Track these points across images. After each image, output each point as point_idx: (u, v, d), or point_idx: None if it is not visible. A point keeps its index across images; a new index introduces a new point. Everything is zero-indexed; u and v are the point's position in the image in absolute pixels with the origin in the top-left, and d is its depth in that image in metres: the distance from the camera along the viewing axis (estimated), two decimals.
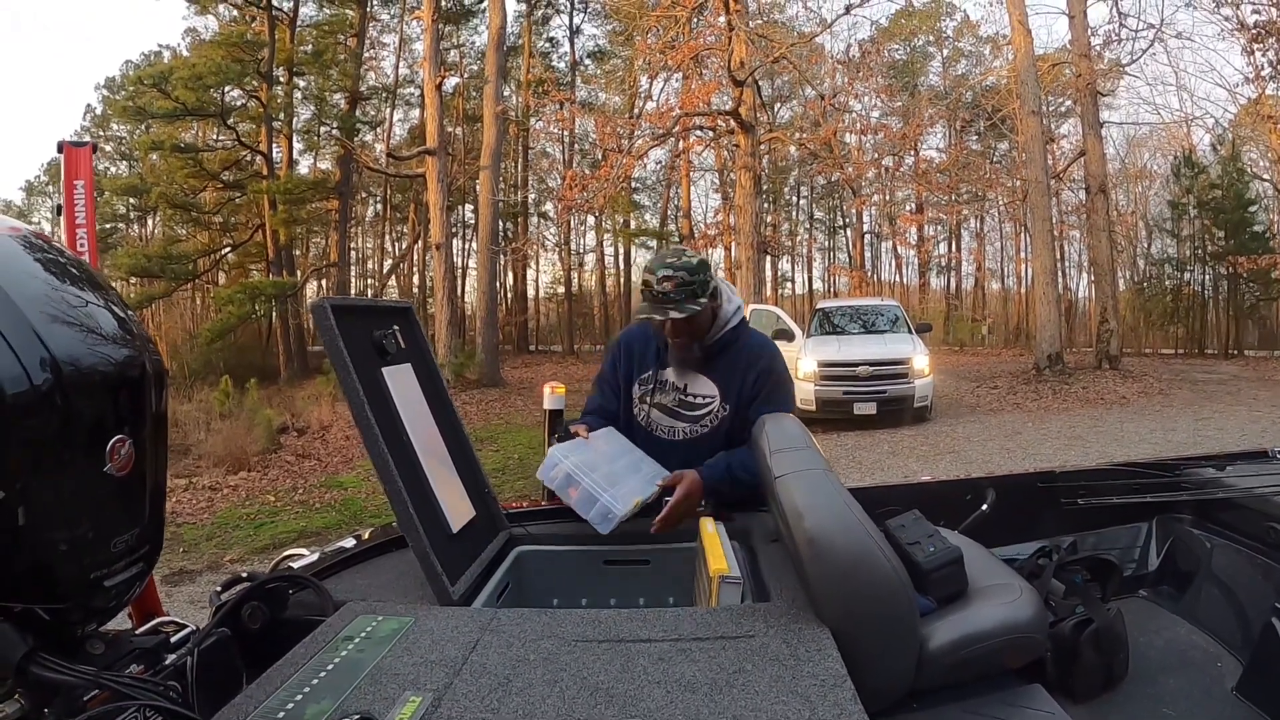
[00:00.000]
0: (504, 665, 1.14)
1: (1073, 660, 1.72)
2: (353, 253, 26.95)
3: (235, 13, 21.90)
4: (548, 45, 27.04)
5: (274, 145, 21.24)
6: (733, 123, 14.61)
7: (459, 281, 21.77)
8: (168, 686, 1.07)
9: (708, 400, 2.05)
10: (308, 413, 11.73)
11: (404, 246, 27.52)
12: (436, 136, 16.02)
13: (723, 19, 14.23)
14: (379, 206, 28.42)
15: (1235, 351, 19.77)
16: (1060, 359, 13.90)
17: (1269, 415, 10.00)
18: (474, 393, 14.79)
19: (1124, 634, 1.82)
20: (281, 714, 1.02)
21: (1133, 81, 17.31)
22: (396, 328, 1.77)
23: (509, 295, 26.81)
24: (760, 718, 0.99)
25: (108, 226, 24.16)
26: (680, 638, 1.23)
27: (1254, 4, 13.84)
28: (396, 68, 25.73)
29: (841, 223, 29.17)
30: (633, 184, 24.97)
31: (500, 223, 20.04)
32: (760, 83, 16.56)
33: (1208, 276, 21.70)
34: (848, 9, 14.37)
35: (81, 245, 3.50)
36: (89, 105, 25.37)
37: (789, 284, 29.61)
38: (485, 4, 20.29)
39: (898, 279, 28.69)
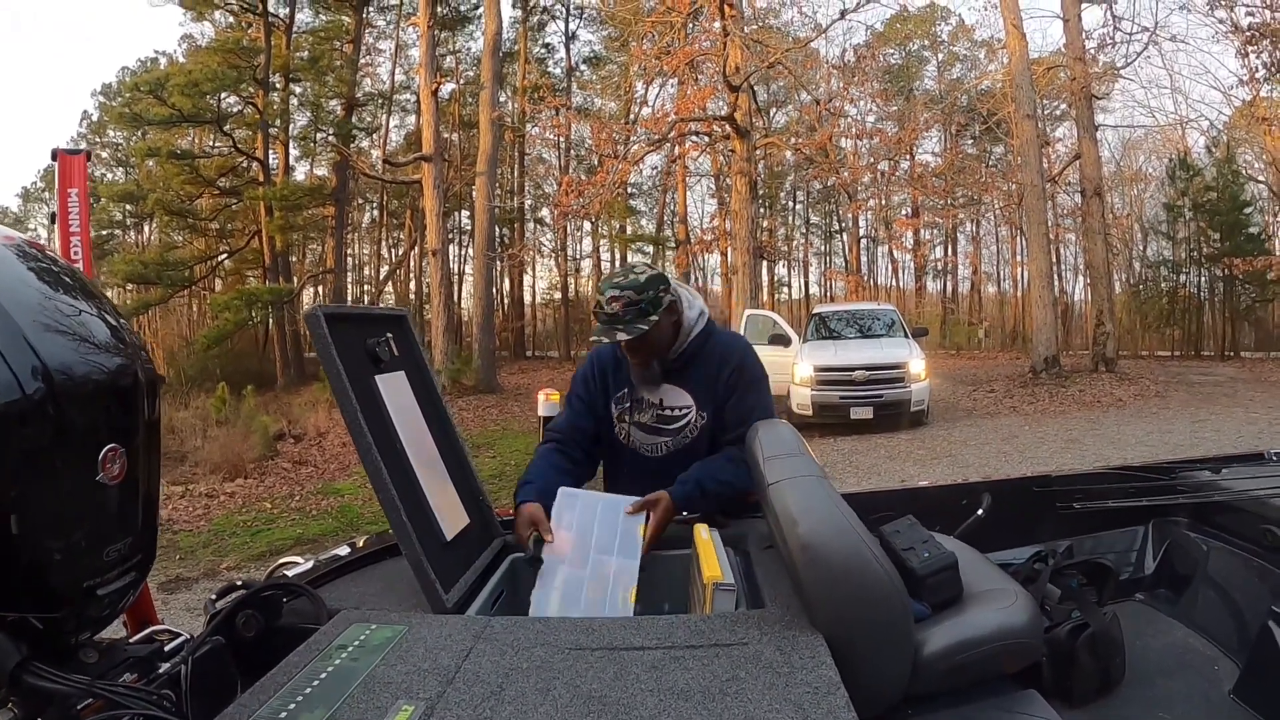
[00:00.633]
0: (497, 673, 1.13)
1: (1069, 665, 1.71)
2: (349, 259, 26.97)
3: (232, 19, 21.94)
4: (544, 51, 27.14)
5: (270, 151, 21.26)
6: (728, 128, 14.65)
7: (455, 287, 21.80)
8: (161, 695, 1.06)
9: (684, 411, 2.04)
10: (304, 419, 11.72)
11: (400, 252, 27.54)
12: (433, 142, 16.03)
13: (718, 24, 14.30)
14: (375, 213, 28.45)
15: (1231, 353, 19.79)
16: (1057, 362, 13.92)
17: (1266, 416, 10.02)
18: (470, 399, 14.77)
19: (1120, 638, 1.82)
20: None
21: (1127, 85, 17.50)
22: (390, 335, 1.77)
23: (505, 301, 26.85)
24: None
25: (104, 233, 24.13)
26: (674, 645, 1.22)
27: (1248, 6, 13.92)
28: (393, 74, 25.81)
29: (837, 227, 29.26)
30: (629, 189, 25.03)
31: (496, 228, 20.09)
32: (756, 88, 16.67)
33: (1203, 279, 21.74)
34: (843, 14, 14.41)
35: (75, 253, 3.50)
36: (85, 112, 25.39)
37: (785, 289, 29.71)
38: (481, 10, 20.34)
39: (894, 283, 28.75)
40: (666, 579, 1.78)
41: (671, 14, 15.08)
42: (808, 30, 17.26)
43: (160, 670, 1.16)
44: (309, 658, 1.20)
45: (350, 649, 1.23)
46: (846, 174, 18.41)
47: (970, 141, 23.73)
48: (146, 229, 26.11)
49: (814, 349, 11.19)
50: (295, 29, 22.05)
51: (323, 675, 1.14)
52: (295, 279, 22.10)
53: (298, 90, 22.54)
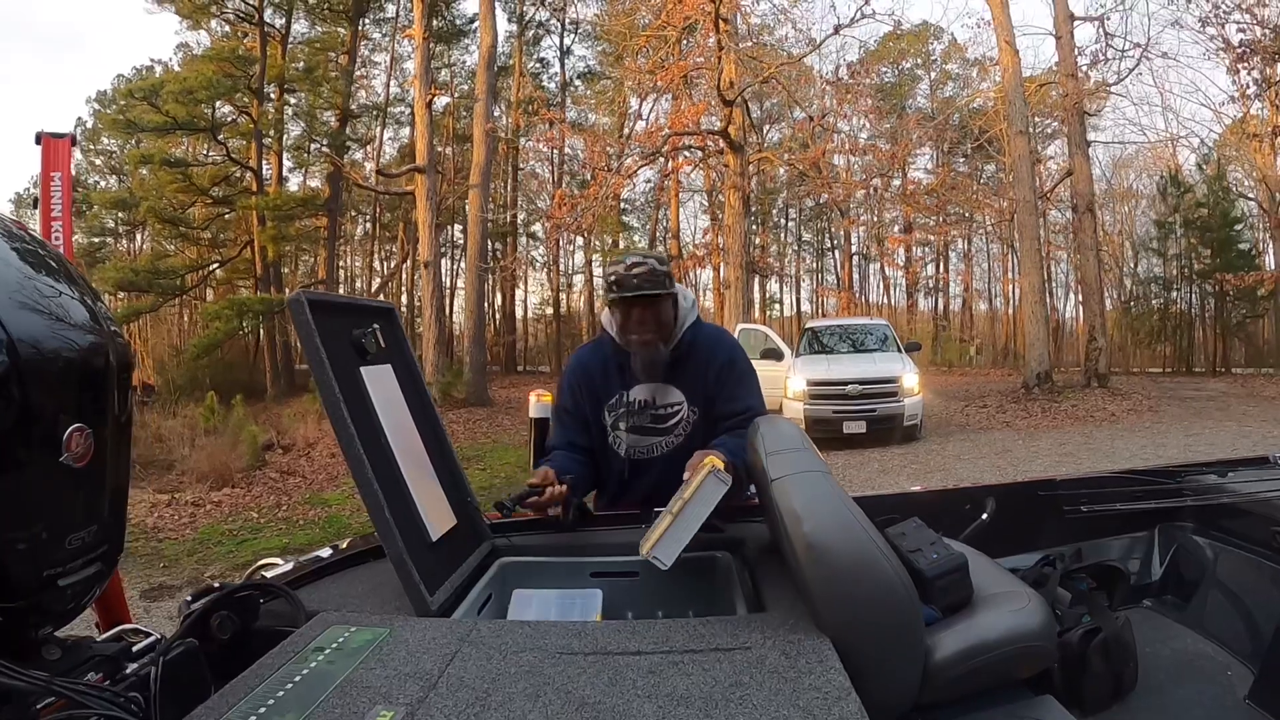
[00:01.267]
0: (483, 678, 1.07)
1: (1081, 670, 1.66)
2: (341, 270, 26.92)
3: (227, 28, 21.95)
4: (538, 66, 27.23)
5: (264, 161, 21.26)
6: (722, 143, 14.69)
7: (447, 300, 21.72)
8: (128, 698, 1.01)
9: (676, 408, 2.04)
10: (293, 430, 11.61)
11: (392, 265, 27.52)
12: (426, 154, 16.01)
13: (712, 40, 14.37)
14: (368, 224, 28.45)
15: (1223, 369, 19.92)
16: (1049, 377, 13.94)
17: (1259, 430, 10.04)
18: (461, 411, 14.69)
19: (1133, 643, 1.77)
20: None
21: (1119, 102, 17.60)
22: (377, 327, 1.70)
23: (497, 316, 26.81)
24: None
25: (96, 240, 24.05)
26: (672, 650, 1.16)
27: (1239, 23, 14.07)
28: (387, 86, 25.92)
29: (829, 244, 29.37)
30: (621, 204, 25.13)
31: (489, 242, 20.04)
32: (749, 104, 16.74)
33: (1194, 295, 21.91)
34: (837, 29, 14.52)
35: (56, 238, 3.45)
36: (80, 118, 25.19)
37: (777, 305, 29.75)
38: (476, 24, 20.44)
39: (885, 300, 28.90)
40: (663, 586, 1.71)
41: (666, 29, 15.17)
42: (802, 46, 17.42)
43: (128, 671, 1.10)
44: (284, 660, 1.14)
45: (328, 651, 1.17)
46: (839, 190, 18.45)
47: (962, 159, 23.88)
48: (139, 237, 25.97)
49: (807, 363, 11.16)
50: (291, 39, 22.12)
51: (297, 678, 1.08)
52: (287, 289, 21.97)
53: (292, 100, 22.54)
